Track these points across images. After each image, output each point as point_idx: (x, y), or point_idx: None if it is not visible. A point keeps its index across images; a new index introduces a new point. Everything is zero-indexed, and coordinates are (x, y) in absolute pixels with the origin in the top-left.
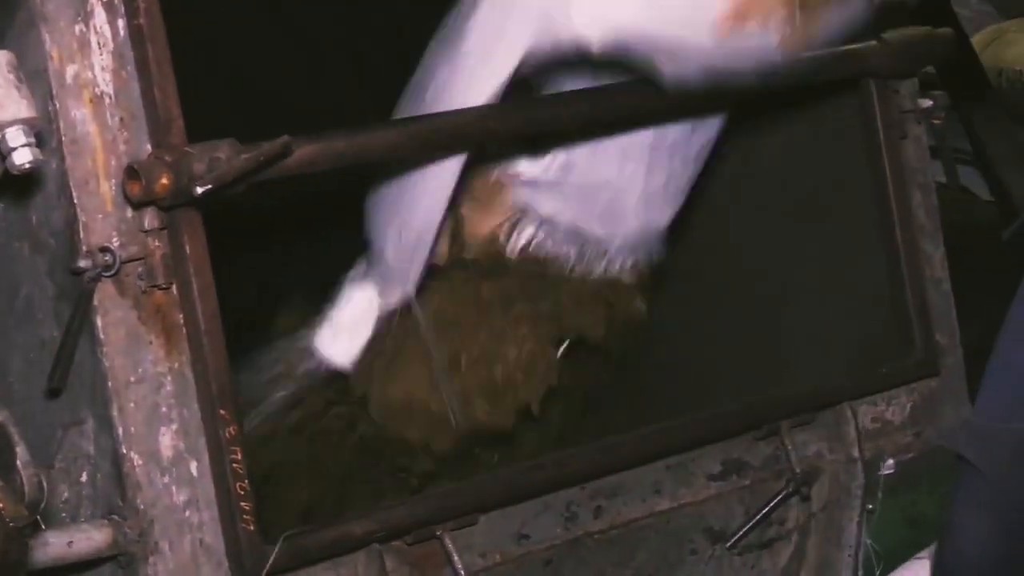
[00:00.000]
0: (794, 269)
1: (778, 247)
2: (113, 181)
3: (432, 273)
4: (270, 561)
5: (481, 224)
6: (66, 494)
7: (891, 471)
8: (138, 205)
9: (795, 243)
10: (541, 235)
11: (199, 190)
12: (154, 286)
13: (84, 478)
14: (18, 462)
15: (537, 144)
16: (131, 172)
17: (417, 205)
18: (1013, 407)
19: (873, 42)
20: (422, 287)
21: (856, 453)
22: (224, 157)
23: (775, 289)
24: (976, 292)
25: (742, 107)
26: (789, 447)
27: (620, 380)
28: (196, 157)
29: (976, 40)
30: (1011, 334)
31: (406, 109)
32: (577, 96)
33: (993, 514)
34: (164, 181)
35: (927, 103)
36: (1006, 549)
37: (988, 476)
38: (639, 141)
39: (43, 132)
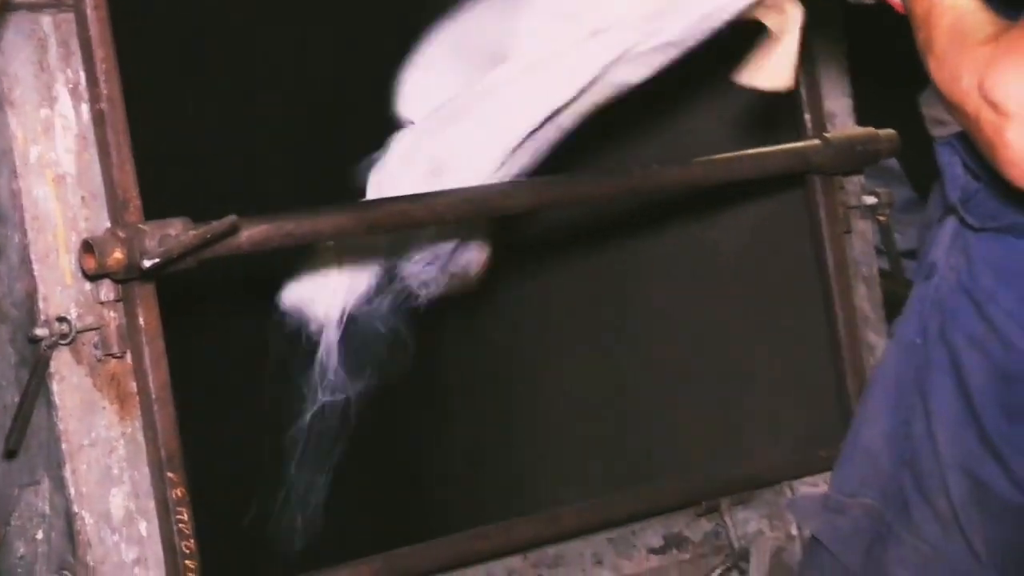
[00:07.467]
0: (748, 356)
1: (733, 335)
2: (73, 255)
3: None
4: None
5: None
6: (22, 551)
7: None
8: (94, 278)
9: (749, 331)
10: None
11: (147, 264)
12: (109, 355)
13: (39, 536)
14: None
15: None
16: (86, 247)
17: None
18: (860, 483)
19: (816, 141)
20: None
21: (795, 531)
22: (175, 234)
23: (731, 375)
24: None
25: (697, 200)
26: (729, 523)
27: (571, 454)
28: (148, 234)
29: None
30: (862, 415)
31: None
32: (518, 185)
33: None
34: (117, 255)
35: (872, 200)
36: None
37: (830, 548)
38: None
39: (4, 208)
